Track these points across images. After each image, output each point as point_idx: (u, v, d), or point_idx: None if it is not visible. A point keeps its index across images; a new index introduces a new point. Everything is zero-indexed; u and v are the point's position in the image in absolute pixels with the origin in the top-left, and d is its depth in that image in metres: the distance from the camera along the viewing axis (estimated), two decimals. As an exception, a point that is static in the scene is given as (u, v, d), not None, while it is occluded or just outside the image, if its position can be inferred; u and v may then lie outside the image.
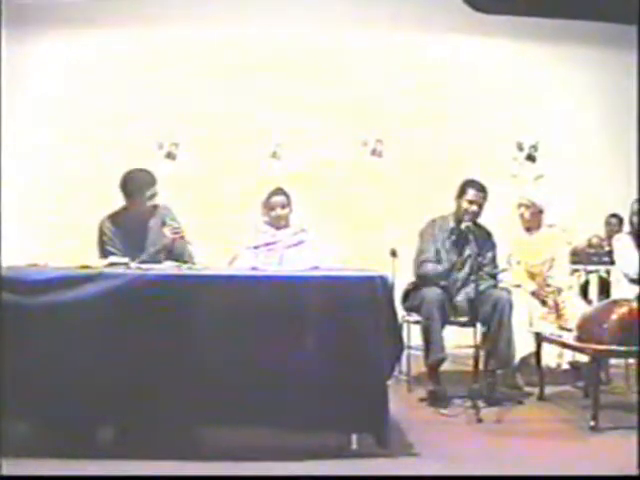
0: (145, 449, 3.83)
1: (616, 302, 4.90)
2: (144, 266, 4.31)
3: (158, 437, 3.94)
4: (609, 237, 7.43)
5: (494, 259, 5.55)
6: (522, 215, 5.96)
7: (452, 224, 5.50)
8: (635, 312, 4.60)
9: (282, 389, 3.88)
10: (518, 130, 7.91)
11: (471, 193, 5.46)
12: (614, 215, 7.57)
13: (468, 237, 5.31)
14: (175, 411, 3.89)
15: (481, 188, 5.49)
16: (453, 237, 5.48)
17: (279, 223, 5.39)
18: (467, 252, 5.42)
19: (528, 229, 5.97)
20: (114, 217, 5.00)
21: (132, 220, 4.95)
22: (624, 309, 4.62)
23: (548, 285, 5.75)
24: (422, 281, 5.40)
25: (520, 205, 5.96)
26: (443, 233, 5.50)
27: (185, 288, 3.99)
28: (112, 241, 4.89)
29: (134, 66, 7.53)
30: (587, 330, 4.70)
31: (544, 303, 5.70)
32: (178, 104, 7.50)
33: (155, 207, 4.96)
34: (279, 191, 5.45)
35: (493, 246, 5.57)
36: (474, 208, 5.45)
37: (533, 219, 5.96)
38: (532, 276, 5.81)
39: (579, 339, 4.75)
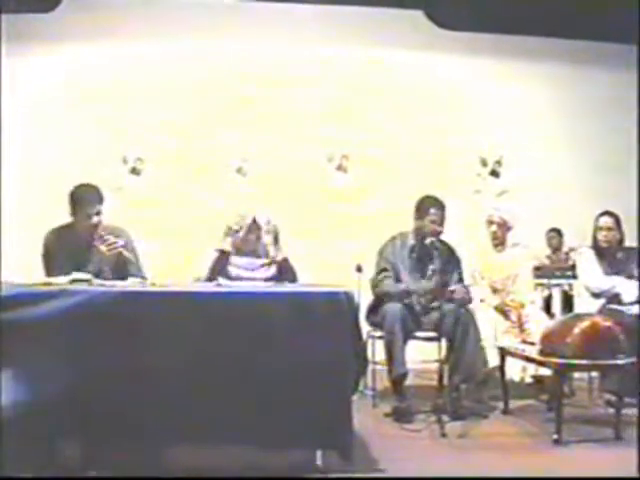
0: (107, 467, 3.80)
1: (578, 316, 4.94)
2: (107, 283, 4.28)
3: (122, 455, 3.90)
4: (553, 251, 7.55)
5: (460, 276, 5.57)
6: (492, 232, 6.04)
7: (413, 241, 5.52)
8: (597, 326, 4.64)
9: (246, 406, 3.85)
10: (481, 146, 7.97)
11: (433, 213, 5.45)
12: (553, 229, 7.69)
13: (431, 253, 5.32)
14: (139, 429, 3.85)
15: (441, 206, 5.48)
16: (414, 255, 5.50)
17: (246, 247, 5.22)
18: (430, 267, 5.43)
19: (496, 245, 6.04)
20: (57, 232, 4.95)
21: (75, 236, 4.89)
22: (586, 323, 4.65)
23: (512, 300, 5.79)
24: (380, 299, 5.41)
25: (490, 222, 6.04)
26: (403, 250, 5.51)
27: (148, 305, 3.95)
28: (54, 256, 4.84)
29: (99, 80, 7.48)
30: (550, 344, 4.72)
31: (507, 317, 5.74)
32: (143, 119, 7.47)
33: (97, 226, 4.88)
34: (246, 217, 5.20)
35: (458, 262, 5.59)
36: (438, 228, 5.45)
37: (502, 235, 6.04)
38: (495, 291, 5.85)
39: (542, 353, 4.77)
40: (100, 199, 4.88)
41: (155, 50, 7.55)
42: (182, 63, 7.60)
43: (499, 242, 6.06)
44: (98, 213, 4.86)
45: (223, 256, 5.14)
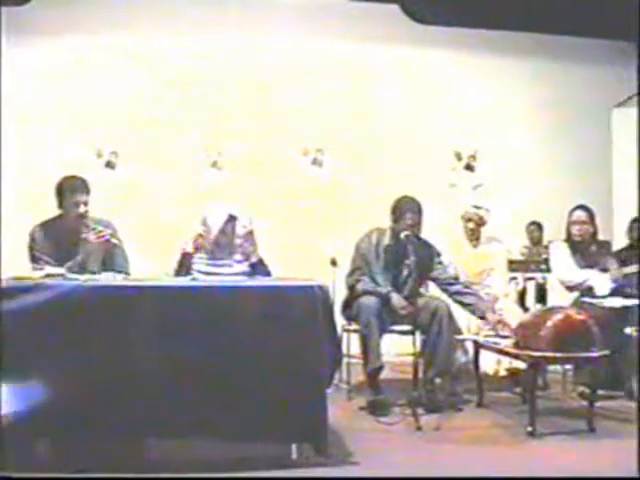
0: (82, 462, 3.77)
1: (552, 309, 4.97)
2: (82, 277, 4.25)
3: (98, 450, 3.89)
4: (534, 244, 7.61)
5: (442, 263, 5.58)
6: (467, 227, 6.14)
7: (388, 241, 5.51)
8: (571, 319, 4.66)
9: (220, 400, 3.85)
10: (456, 140, 7.99)
11: (409, 217, 5.40)
12: (534, 222, 7.75)
13: (407, 250, 5.30)
14: (114, 423, 3.84)
15: (418, 208, 5.44)
16: (389, 253, 5.49)
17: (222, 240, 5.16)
18: (405, 263, 5.42)
19: (471, 240, 6.10)
20: (45, 225, 4.93)
21: (63, 229, 4.88)
22: (560, 316, 4.67)
23: (486, 294, 5.81)
24: (355, 296, 5.42)
25: (467, 218, 6.13)
26: (379, 248, 5.50)
27: (122, 299, 3.93)
28: (42, 249, 4.82)
29: (75, 72, 7.42)
30: (524, 337, 4.74)
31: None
32: (118, 112, 7.42)
33: (84, 216, 4.87)
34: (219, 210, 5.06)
35: (436, 254, 5.58)
36: (415, 230, 5.40)
37: (477, 230, 6.13)
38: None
39: (516, 346, 4.79)
40: (86, 189, 4.88)
41: (132, 44, 7.50)
42: (160, 56, 7.55)
43: (474, 237, 6.14)
44: (85, 203, 4.86)
45: (186, 257, 5.08)
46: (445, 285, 5.52)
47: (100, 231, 4.82)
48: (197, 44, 7.59)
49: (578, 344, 4.59)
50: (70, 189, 4.85)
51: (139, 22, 7.46)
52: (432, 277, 5.56)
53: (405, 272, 5.47)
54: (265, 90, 7.68)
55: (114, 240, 4.85)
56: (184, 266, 4.96)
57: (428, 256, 5.50)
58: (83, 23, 7.36)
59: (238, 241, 4.98)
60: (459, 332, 5.55)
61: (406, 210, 5.43)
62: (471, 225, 6.14)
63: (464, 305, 5.45)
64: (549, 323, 4.62)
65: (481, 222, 6.14)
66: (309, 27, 7.68)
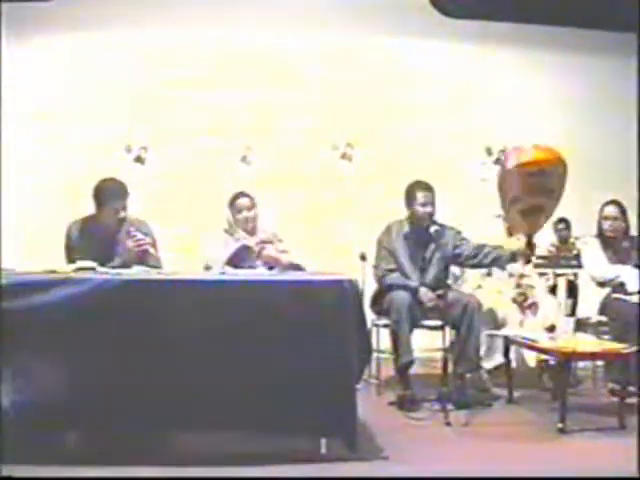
0: (115, 455, 3.81)
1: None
2: (112, 271, 4.29)
3: (128, 442, 3.92)
4: (562, 242, 7.53)
5: (464, 239, 5.59)
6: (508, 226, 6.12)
7: (407, 229, 5.56)
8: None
9: (251, 393, 3.87)
10: (487, 134, 7.94)
11: (420, 196, 5.50)
12: (562, 220, 7.66)
13: (428, 238, 5.33)
14: (143, 416, 3.87)
15: (428, 188, 5.54)
16: (410, 241, 5.53)
17: (247, 226, 5.37)
18: (435, 255, 5.45)
19: (510, 234, 6.11)
20: (81, 223, 4.97)
21: (100, 229, 4.93)
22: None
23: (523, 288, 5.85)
24: (388, 291, 5.42)
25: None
26: (399, 238, 5.56)
27: (153, 292, 3.97)
28: (77, 247, 4.85)
29: (104, 68, 7.45)
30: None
31: (522, 308, 5.78)
32: (147, 107, 7.44)
33: (123, 220, 4.92)
34: (242, 194, 5.46)
35: (457, 231, 5.61)
36: (428, 209, 5.50)
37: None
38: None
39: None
40: (125, 194, 4.93)
41: (162, 39, 7.51)
42: (185, 50, 7.55)
43: (511, 233, 6.13)
44: (124, 208, 4.89)
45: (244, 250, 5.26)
46: (474, 256, 5.49)
47: (139, 239, 4.84)
48: (230, 37, 7.57)
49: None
50: (109, 195, 4.89)
51: (169, 17, 7.46)
52: (458, 254, 5.54)
53: (430, 257, 5.47)
54: (296, 83, 7.66)
55: (151, 251, 4.87)
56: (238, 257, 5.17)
57: (450, 235, 5.53)
58: (109, 19, 7.36)
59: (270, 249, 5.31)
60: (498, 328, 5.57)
61: (417, 190, 5.53)
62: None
63: (496, 261, 5.44)
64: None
65: None
66: (338, 22, 7.64)
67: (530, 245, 5.04)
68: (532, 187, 4.66)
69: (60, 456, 3.82)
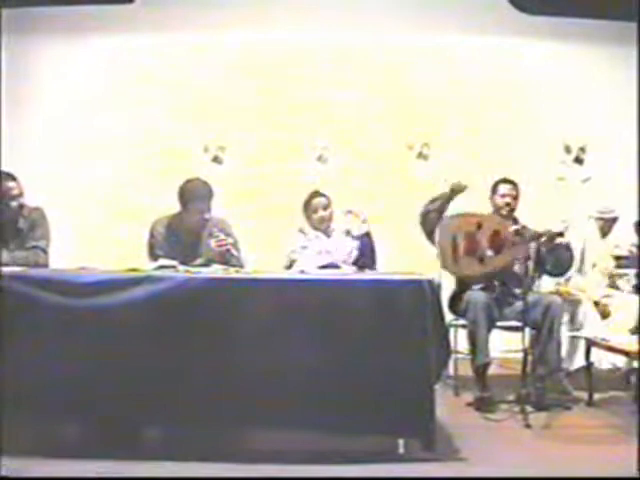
0: (190, 451, 3.88)
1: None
2: (192, 269, 4.34)
3: (204, 439, 3.99)
4: None
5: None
6: (600, 226, 6.23)
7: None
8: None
9: (329, 393, 3.89)
10: (565, 132, 7.82)
11: (502, 187, 5.57)
12: None
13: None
14: (220, 413, 3.92)
15: (509, 181, 5.60)
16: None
17: (322, 225, 5.40)
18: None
19: (604, 235, 6.23)
20: (166, 221, 5.04)
21: (184, 228, 5.00)
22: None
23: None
24: (463, 287, 5.40)
25: (602, 219, 6.23)
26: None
27: (232, 291, 4.02)
28: (161, 245, 4.93)
29: (174, 65, 7.55)
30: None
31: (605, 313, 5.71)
32: (223, 106, 7.52)
33: (207, 220, 4.98)
34: (318, 194, 5.48)
35: (523, 226, 5.51)
36: (507, 200, 5.52)
37: (609, 227, 6.24)
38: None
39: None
40: (210, 195, 4.99)
41: (232, 37, 7.58)
42: (253, 51, 7.61)
43: (606, 232, 6.25)
44: (209, 209, 4.95)
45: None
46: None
47: (222, 239, 4.89)
48: (299, 36, 7.61)
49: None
50: (194, 195, 4.96)
51: (239, 20, 7.52)
52: None
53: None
54: (370, 83, 7.65)
55: (234, 251, 4.92)
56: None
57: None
58: (189, 20, 7.46)
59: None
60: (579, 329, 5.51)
61: (499, 183, 5.62)
62: (601, 223, 6.24)
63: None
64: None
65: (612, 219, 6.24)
66: (409, 19, 7.60)
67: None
68: None
69: (138, 452, 3.92)
